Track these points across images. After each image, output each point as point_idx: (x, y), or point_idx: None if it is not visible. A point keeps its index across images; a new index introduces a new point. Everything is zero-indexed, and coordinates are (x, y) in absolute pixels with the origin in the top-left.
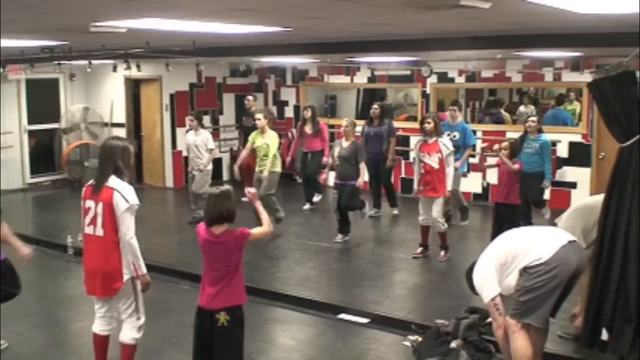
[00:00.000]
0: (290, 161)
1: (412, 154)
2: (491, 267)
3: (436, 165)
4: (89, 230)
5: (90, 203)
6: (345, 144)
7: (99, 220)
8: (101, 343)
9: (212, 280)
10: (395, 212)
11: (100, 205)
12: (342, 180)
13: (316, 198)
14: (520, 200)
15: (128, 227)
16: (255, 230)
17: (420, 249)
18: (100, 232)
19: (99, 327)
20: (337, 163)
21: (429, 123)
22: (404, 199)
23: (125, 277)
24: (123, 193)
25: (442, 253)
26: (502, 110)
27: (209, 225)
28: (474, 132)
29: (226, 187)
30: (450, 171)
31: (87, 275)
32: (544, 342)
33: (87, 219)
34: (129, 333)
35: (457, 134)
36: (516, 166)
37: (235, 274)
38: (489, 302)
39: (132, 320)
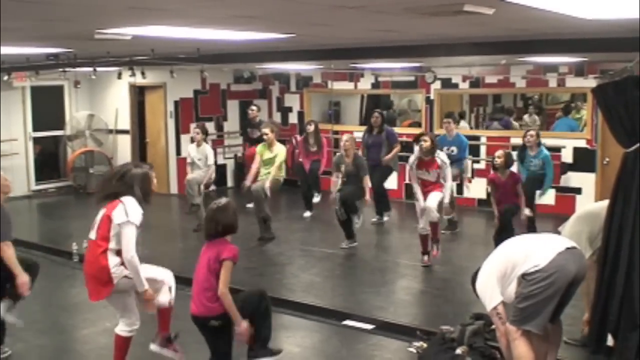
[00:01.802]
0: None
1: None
2: (492, 276)
3: (434, 180)
4: (90, 234)
5: (101, 211)
6: (347, 160)
7: (95, 225)
8: (120, 344)
9: (195, 289)
10: (376, 219)
11: (101, 212)
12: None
13: (316, 199)
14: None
15: (127, 244)
16: (228, 270)
17: (426, 257)
18: (92, 235)
19: (119, 327)
20: (343, 179)
21: (425, 141)
22: (408, 204)
23: (115, 280)
24: (127, 207)
25: (435, 248)
26: (511, 119)
27: (207, 239)
28: (479, 137)
29: (225, 200)
30: (448, 185)
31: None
32: (546, 348)
33: (93, 224)
34: (121, 326)
35: (454, 149)
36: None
37: (211, 287)
38: (491, 311)
39: (124, 319)
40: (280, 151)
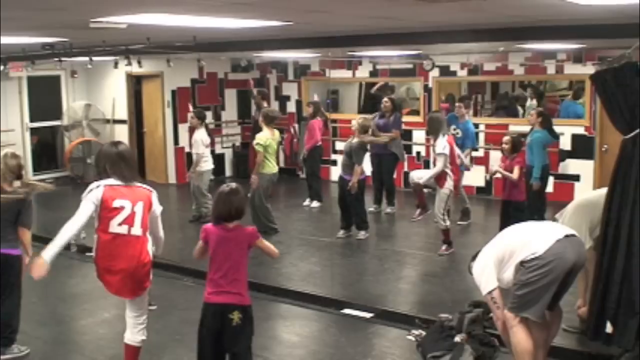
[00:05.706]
0: (294, 156)
1: (415, 148)
2: (490, 261)
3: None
4: (121, 229)
5: (123, 202)
6: (354, 140)
7: (137, 219)
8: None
9: (222, 278)
10: (389, 210)
11: (140, 204)
12: (344, 174)
13: (315, 204)
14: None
15: (161, 229)
16: (264, 241)
17: (418, 211)
18: (138, 231)
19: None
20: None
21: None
22: (406, 193)
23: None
24: (156, 197)
25: (444, 247)
26: (518, 106)
27: (217, 223)
28: (477, 125)
29: (235, 184)
30: (432, 171)
31: (113, 275)
32: (546, 335)
33: (120, 218)
34: (137, 335)
35: (459, 132)
36: (515, 176)
37: (242, 274)
38: (486, 295)
39: (141, 320)
40: (260, 138)
